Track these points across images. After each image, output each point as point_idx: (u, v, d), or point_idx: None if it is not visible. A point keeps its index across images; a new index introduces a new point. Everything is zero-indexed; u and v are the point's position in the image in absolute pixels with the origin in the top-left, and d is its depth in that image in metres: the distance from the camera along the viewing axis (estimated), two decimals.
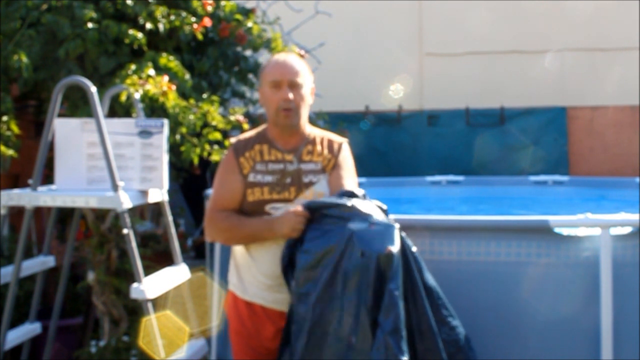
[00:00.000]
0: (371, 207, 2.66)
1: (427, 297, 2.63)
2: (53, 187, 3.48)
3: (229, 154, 2.86)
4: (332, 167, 2.81)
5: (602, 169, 6.69)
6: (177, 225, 5.25)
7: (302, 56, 4.82)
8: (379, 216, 2.64)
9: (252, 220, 2.74)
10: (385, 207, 2.74)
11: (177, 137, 3.88)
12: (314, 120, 5.53)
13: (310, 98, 2.84)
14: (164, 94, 3.73)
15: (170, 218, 3.68)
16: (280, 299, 2.73)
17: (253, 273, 2.79)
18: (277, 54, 2.90)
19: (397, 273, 2.50)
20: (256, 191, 2.76)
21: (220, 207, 2.79)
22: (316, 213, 2.65)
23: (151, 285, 3.33)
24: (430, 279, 2.69)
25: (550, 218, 3.01)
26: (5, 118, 3.87)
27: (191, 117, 3.83)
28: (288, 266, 2.65)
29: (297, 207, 2.66)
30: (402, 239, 2.62)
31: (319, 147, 2.83)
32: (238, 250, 2.87)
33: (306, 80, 2.80)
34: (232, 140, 2.91)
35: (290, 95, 2.73)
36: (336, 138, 2.91)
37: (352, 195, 2.68)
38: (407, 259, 2.62)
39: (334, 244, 2.55)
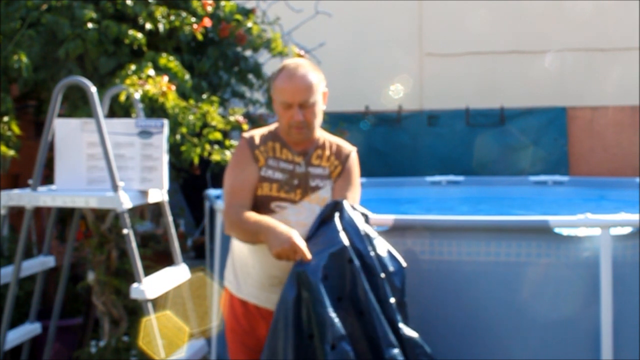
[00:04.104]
0: (357, 217, 2.69)
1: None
2: (53, 187, 3.48)
3: (243, 146, 2.83)
4: (338, 174, 2.82)
5: (602, 169, 6.69)
6: (177, 225, 5.25)
7: (300, 55, 4.82)
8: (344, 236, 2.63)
9: (252, 221, 2.67)
10: (368, 213, 2.76)
11: (177, 137, 3.88)
12: None
13: (323, 104, 2.82)
14: (164, 94, 3.72)
15: (170, 218, 3.68)
16: (273, 299, 2.71)
17: (248, 271, 2.79)
18: (288, 64, 2.81)
19: (312, 291, 2.48)
20: (265, 186, 2.76)
21: (238, 199, 2.74)
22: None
23: (151, 285, 3.33)
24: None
25: (550, 218, 3.01)
26: (5, 118, 3.86)
27: (191, 117, 3.83)
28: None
29: (299, 246, 2.57)
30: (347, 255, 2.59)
31: (327, 153, 2.84)
32: (236, 247, 2.86)
33: (318, 93, 2.76)
34: (245, 135, 2.88)
35: (301, 117, 2.72)
36: (345, 145, 2.90)
37: (336, 207, 2.69)
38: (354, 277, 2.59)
39: None
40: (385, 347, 2.53)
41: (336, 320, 2.46)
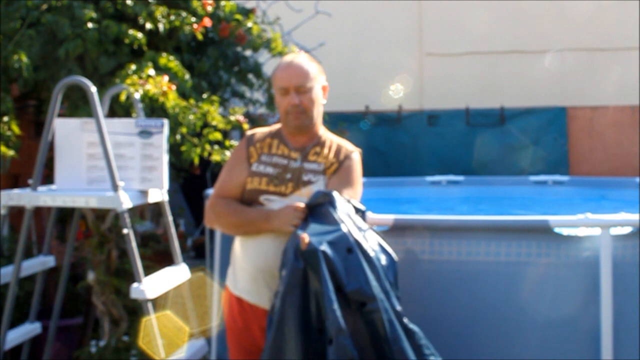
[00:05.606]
0: (349, 209, 2.63)
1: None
2: (53, 187, 3.48)
3: (242, 143, 2.91)
4: (333, 171, 2.81)
5: (602, 169, 6.69)
6: (177, 225, 5.26)
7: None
8: (348, 221, 2.58)
9: (250, 209, 2.77)
10: (363, 208, 2.72)
11: (177, 137, 3.88)
12: None
13: (323, 97, 2.85)
14: (164, 94, 3.73)
15: (170, 218, 3.68)
16: (265, 296, 2.72)
17: (240, 264, 2.81)
18: (285, 57, 2.91)
19: (317, 270, 2.42)
20: (255, 180, 2.79)
21: (224, 193, 2.84)
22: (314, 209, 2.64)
23: (151, 285, 3.33)
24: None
25: (550, 218, 3.01)
26: (5, 118, 3.86)
27: (191, 117, 3.83)
28: None
29: (298, 203, 2.67)
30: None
31: (326, 150, 2.85)
32: (236, 242, 2.88)
33: (316, 81, 2.80)
34: (248, 132, 2.94)
35: (297, 100, 2.75)
36: (347, 146, 2.90)
37: (326, 197, 2.63)
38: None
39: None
40: (392, 337, 2.43)
41: (338, 313, 2.36)
